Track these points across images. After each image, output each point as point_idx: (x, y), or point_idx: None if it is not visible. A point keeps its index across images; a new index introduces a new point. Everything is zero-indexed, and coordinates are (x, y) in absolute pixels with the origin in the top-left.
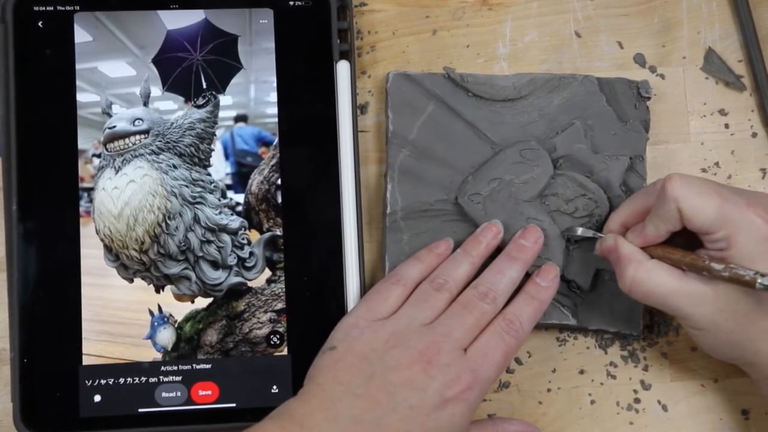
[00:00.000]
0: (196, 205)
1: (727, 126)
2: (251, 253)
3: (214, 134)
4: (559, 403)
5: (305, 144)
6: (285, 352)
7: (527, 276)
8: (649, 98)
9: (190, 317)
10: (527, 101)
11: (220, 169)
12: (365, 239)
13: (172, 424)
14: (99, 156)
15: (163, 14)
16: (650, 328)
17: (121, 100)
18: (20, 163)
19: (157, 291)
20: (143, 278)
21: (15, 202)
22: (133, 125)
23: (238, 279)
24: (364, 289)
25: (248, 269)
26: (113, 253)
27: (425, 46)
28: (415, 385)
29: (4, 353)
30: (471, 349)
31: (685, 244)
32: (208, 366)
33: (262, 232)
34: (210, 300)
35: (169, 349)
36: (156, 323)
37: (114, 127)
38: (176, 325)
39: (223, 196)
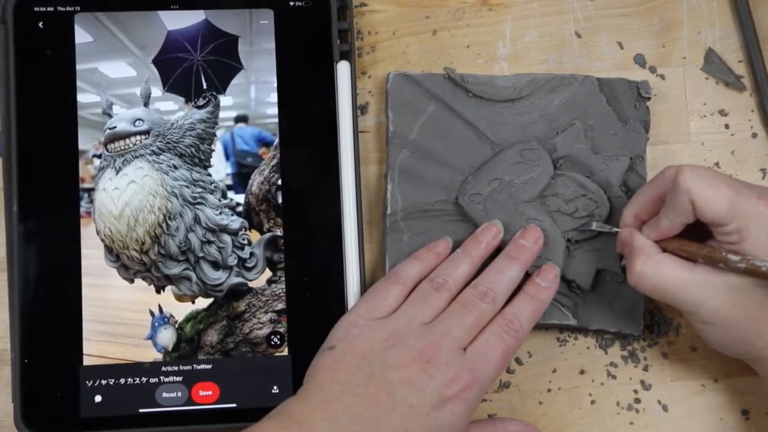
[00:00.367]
0: (196, 206)
1: (727, 126)
2: (252, 254)
3: (214, 135)
4: (560, 403)
5: (305, 144)
6: (285, 352)
7: (527, 276)
8: (649, 98)
9: (191, 317)
10: (527, 101)
11: (220, 169)
12: (365, 239)
13: (173, 425)
14: (99, 156)
15: (163, 15)
16: (650, 328)
17: (121, 100)
18: (21, 164)
19: (158, 291)
20: (144, 279)
21: (15, 202)
22: (134, 126)
23: (239, 279)
24: (365, 289)
25: (249, 270)
26: (114, 253)
27: (425, 46)
28: (414, 384)
29: (5, 353)
30: (470, 349)
31: (696, 239)
32: (209, 366)
33: (262, 233)
34: (210, 300)
35: (170, 349)
36: (156, 324)
37: (114, 127)
38: (177, 326)
39: (224, 196)
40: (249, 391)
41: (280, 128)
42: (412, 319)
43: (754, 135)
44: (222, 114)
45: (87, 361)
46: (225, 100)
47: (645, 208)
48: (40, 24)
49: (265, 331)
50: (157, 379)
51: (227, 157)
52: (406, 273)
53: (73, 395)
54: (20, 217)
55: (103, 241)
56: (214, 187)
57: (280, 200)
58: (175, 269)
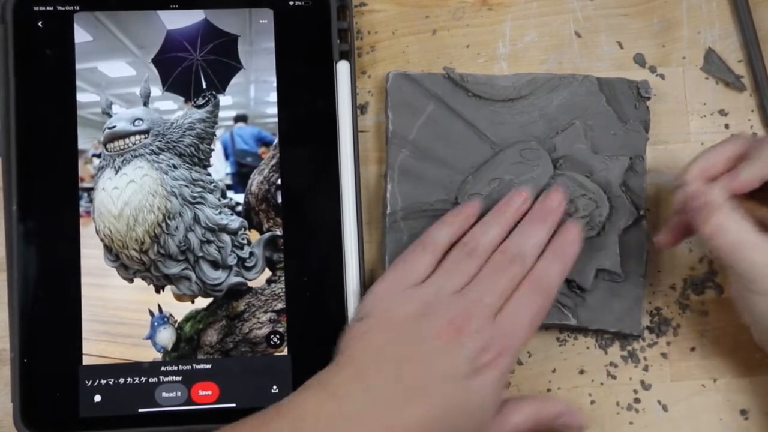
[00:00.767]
0: (196, 205)
1: (727, 126)
2: (251, 253)
3: (214, 134)
4: None
5: (305, 144)
6: (285, 352)
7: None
8: (649, 98)
9: (190, 317)
10: (527, 101)
11: (220, 169)
12: (365, 239)
13: (172, 425)
14: (99, 156)
15: (163, 14)
16: (650, 328)
17: (121, 100)
18: (20, 163)
19: (157, 291)
20: (143, 278)
21: (15, 202)
22: (133, 125)
23: (238, 279)
24: (364, 288)
25: (248, 269)
26: (113, 253)
27: (425, 46)
28: (446, 353)
29: (4, 353)
30: (501, 315)
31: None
32: (208, 366)
33: (262, 232)
34: (210, 300)
35: (169, 349)
36: (156, 323)
37: (114, 127)
38: (176, 325)
39: (223, 196)
40: (249, 391)
41: (280, 128)
42: (442, 287)
43: (754, 135)
44: (221, 113)
45: (86, 360)
46: (224, 99)
47: (717, 165)
48: (40, 23)
49: (265, 330)
50: (156, 379)
51: (227, 156)
52: (435, 238)
53: (72, 395)
54: (20, 216)
55: (102, 240)
56: (214, 186)
57: (279, 200)
58: (174, 269)
